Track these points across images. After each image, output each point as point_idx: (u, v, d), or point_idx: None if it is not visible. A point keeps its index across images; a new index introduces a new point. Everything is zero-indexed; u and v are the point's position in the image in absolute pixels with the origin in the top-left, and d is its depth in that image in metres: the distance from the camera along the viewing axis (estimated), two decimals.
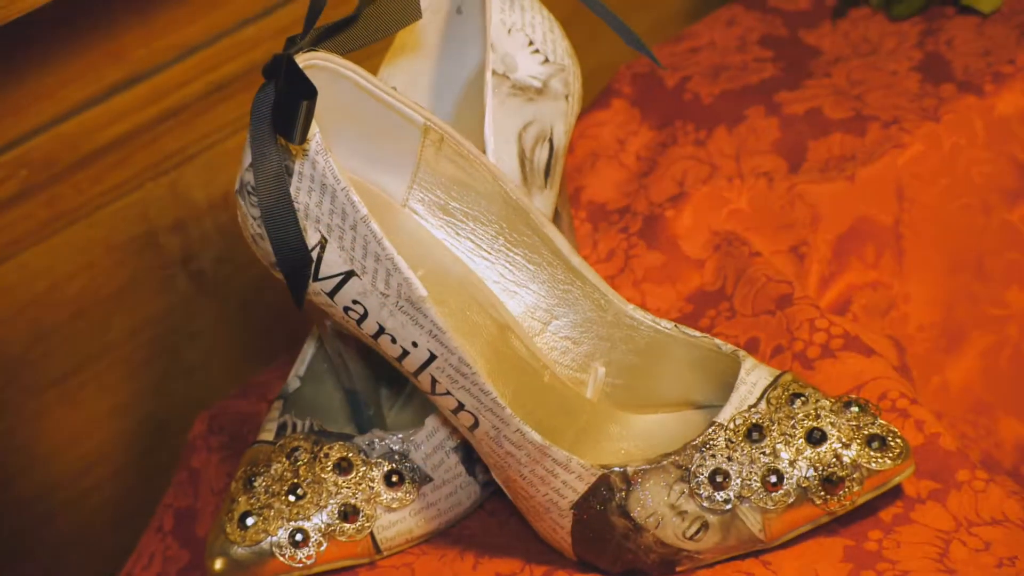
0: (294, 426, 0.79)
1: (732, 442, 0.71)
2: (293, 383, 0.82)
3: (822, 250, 0.91)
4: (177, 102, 1.06)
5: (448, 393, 0.71)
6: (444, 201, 0.76)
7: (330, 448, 0.76)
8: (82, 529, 1.12)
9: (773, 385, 0.72)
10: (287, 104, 0.66)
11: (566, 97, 0.82)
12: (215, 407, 0.92)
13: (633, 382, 0.78)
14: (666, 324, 0.76)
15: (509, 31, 0.80)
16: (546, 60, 0.81)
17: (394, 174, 0.76)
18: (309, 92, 0.65)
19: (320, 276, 0.70)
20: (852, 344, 0.81)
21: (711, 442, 0.71)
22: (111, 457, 1.12)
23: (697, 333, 0.76)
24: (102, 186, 1.04)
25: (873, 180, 0.92)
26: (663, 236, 0.93)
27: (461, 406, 0.71)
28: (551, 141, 0.81)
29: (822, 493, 0.70)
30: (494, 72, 0.79)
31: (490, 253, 0.77)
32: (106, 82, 1.02)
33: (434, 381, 0.71)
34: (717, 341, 0.75)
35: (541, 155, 0.81)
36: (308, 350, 0.83)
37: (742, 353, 0.74)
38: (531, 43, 0.81)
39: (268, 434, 0.79)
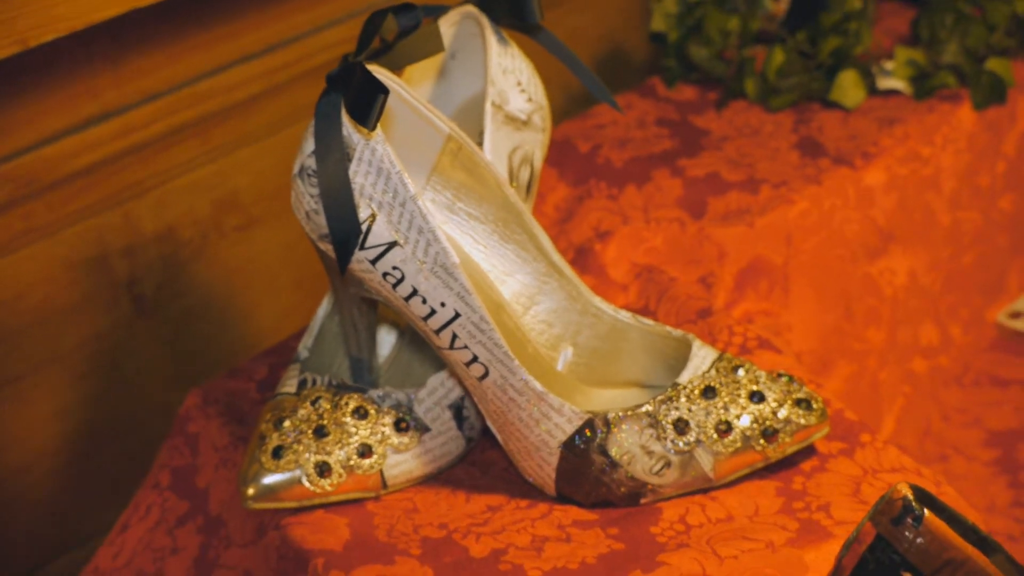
0: (313, 381, 0.93)
1: (691, 398, 0.88)
2: (303, 352, 0.96)
3: (726, 280, 1.10)
4: (139, 139, 1.19)
5: (465, 347, 0.87)
6: (451, 202, 0.93)
7: (349, 398, 0.91)
8: (24, 523, 1.21)
9: (719, 359, 0.90)
10: (365, 99, 0.82)
11: (543, 130, 0.99)
12: (206, 385, 1.05)
13: (594, 362, 0.95)
14: (624, 314, 0.94)
15: (504, 71, 0.97)
16: (530, 99, 0.99)
17: (411, 176, 0.92)
18: (383, 89, 0.82)
19: (366, 246, 0.86)
20: (764, 344, 0.99)
21: (675, 397, 0.88)
22: (53, 457, 1.21)
23: (650, 322, 0.93)
24: (69, 208, 1.16)
25: (768, 227, 1.11)
26: (593, 264, 1.10)
27: (475, 359, 0.87)
28: (532, 165, 0.98)
29: (762, 442, 0.87)
30: (492, 103, 0.96)
31: (486, 247, 0.93)
32: (82, 115, 1.15)
33: (454, 337, 0.87)
34: (667, 328, 0.93)
35: (524, 175, 0.98)
36: (314, 327, 0.98)
37: (691, 336, 0.92)
38: (519, 83, 0.98)
39: (290, 387, 0.93)
